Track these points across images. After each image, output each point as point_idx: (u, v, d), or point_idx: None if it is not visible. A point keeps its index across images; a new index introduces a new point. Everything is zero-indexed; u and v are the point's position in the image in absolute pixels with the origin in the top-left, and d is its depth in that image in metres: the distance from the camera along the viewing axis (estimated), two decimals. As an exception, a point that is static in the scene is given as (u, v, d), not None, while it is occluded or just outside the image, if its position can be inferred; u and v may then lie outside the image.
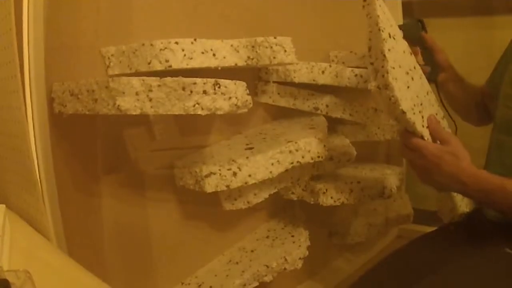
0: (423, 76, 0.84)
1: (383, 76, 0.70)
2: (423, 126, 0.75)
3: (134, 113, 0.66)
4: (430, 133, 0.76)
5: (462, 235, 0.86)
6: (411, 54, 0.81)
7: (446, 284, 0.70)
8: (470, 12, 1.45)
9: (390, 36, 0.72)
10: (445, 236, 0.88)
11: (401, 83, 0.72)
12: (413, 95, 0.75)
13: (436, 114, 0.83)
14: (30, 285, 0.37)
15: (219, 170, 0.83)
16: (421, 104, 0.77)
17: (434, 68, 1.01)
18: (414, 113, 0.73)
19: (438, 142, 0.75)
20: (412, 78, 0.77)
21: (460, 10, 1.45)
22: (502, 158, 0.85)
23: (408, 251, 0.85)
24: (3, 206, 0.59)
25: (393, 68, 0.70)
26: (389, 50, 0.70)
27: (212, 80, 0.68)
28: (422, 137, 0.74)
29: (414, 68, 0.80)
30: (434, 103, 0.85)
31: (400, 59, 0.74)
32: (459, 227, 0.89)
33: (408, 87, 0.74)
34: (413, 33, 1.01)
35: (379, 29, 0.71)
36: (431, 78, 1.00)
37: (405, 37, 0.84)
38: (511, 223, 0.81)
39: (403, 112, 0.70)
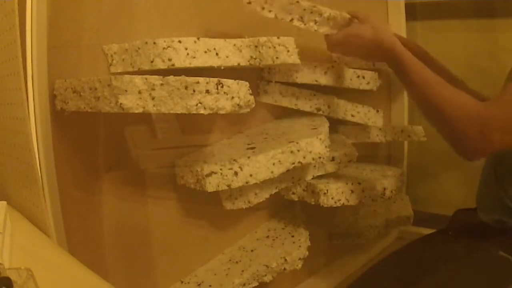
0: None
1: None
2: None
3: (136, 112, 0.66)
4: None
5: (459, 238, 0.87)
6: None
7: (443, 286, 0.70)
8: (473, 14, 1.45)
9: None
10: (443, 239, 0.89)
11: None
12: None
13: None
14: (32, 283, 0.37)
15: (221, 169, 0.83)
16: None
17: None
18: None
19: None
20: None
21: (463, 12, 1.44)
22: (497, 171, 0.85)
23: (407, 253, 0.86)
24: (4, 203, 0.59)
25: None
26: None
27: (215, 80, 0.68)
28: None
29: None
30: None
31: None
32: (456, 230, 0.90)
33: None
34: None
35: None
36: None
37: None
38: (506, 227, 0.82)
39: None
